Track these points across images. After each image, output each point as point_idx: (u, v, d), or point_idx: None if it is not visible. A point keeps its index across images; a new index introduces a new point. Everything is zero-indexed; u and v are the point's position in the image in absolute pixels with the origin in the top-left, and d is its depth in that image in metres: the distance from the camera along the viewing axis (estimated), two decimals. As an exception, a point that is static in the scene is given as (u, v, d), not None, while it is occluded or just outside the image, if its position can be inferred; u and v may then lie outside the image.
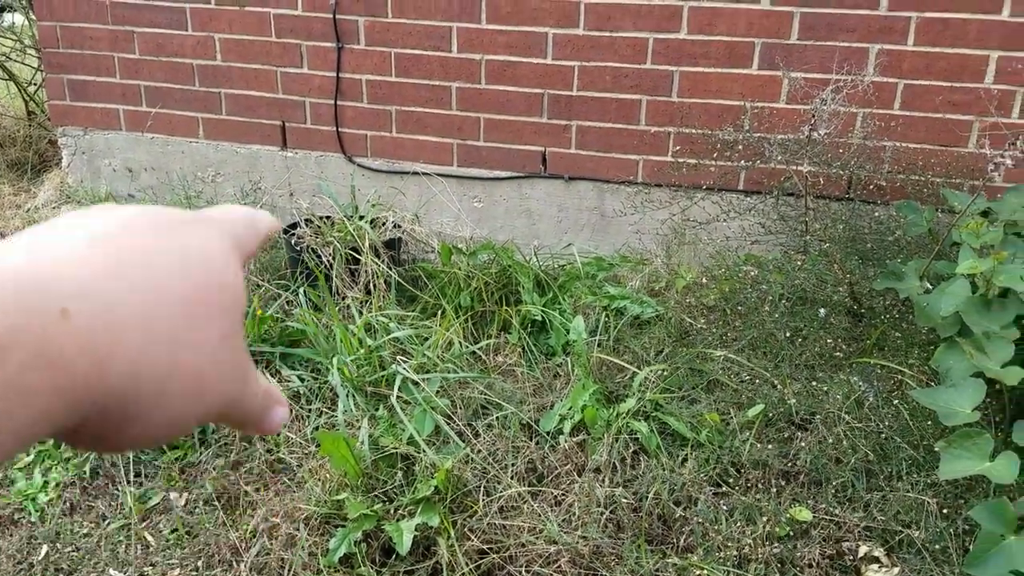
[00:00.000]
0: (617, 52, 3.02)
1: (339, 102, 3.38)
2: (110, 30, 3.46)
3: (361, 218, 2.96)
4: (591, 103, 3.11)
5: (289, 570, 2.01)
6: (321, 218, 3.04)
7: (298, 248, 2.90)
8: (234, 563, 2.10)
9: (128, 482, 2.36)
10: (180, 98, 3.50)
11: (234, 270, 0.37)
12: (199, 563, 2.14)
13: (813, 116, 2.22)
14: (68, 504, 2.33)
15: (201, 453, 2.41)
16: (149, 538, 2.22)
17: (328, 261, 2.82)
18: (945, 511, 1.90)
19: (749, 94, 2.94)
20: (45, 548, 2.22)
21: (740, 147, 2.68)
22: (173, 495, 2.31)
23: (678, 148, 3.05)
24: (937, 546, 1.85)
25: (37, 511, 2.31)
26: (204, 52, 3.41)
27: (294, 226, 3.09)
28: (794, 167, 2.47)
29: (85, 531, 2.27)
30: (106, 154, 3.69)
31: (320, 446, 2.19)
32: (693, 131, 3.00)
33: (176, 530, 2.20)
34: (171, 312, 0.33)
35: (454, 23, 3.14)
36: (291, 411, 2.46)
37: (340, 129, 3.42)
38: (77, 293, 0.30)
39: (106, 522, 2.28)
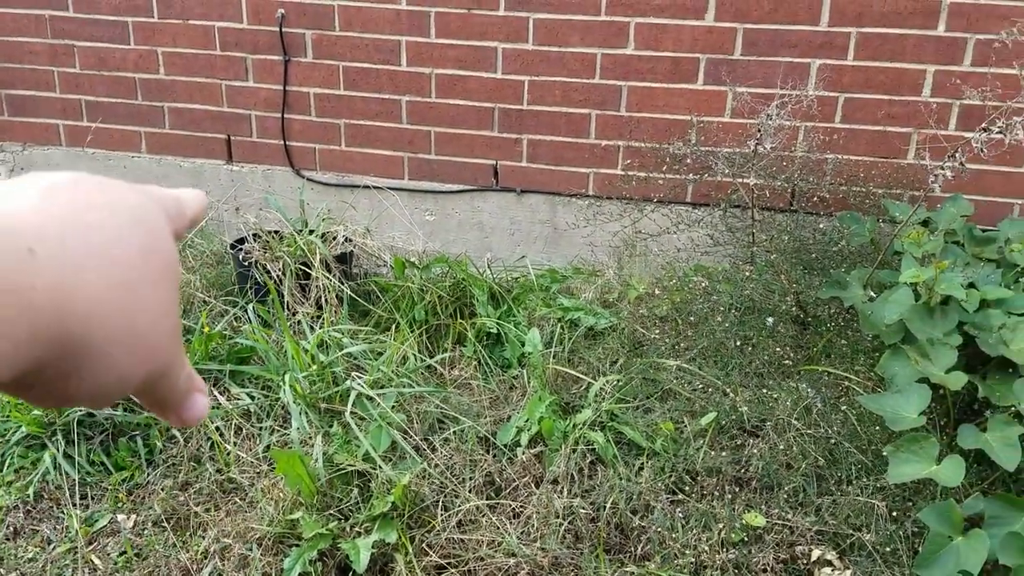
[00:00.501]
0: (566, 67, 3.05)
1: (286, 115, 3.34)
2: (50, 44, 3.38)
3: (311, 232, 2.93)
4: (542, 117, 3.13)
5: (243, 592, 1.97)
6: (270, 232, 3.00)
7: (246, 263, 2.85)
8: (185, 586, 2.05)
9: (74, 504, 2.29)
10: (122, 113, 3.43)
11: (170, 240, 0.38)
12: (149, 586, 2.08)
13: (759, 130, 2.26)
14: (12, 528, 2.26)
15: (148, 474, 2.35)
16: (97, 561, 2.16)
17: (278, 276, 2.78)
18: (894, 514, 1.94)
19: (695, 108, 2.99)
20: (-15, 576, 2.15)
21: (688, 161, 2.72)
22: (121, 517, 2.25)
23: (628, 162, 3.09)
24: (888, 548, 1.89)
25: (-19, 536, 2.23)
26: (147, 66, 3.35)
27: (241, 241, 3.05)
28: (740, 180, 2.52)
29: (30, 555, 2.20)
30: (45, 170, 3.58)
31: (275, 465, 2.16)
32: (642, 145, 3.04)
33: (125, 552, 2.15)
34: (126, 262, 0.34)
35: (403, 37, 3.14)
36: (242, 430, 2.42)
37: (288, 142, 3.38)
38: (42, 236, 0.31)
39: (51, 546, 2.21)
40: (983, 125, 1.86)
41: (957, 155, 1.87)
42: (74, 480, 2.33)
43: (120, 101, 3.42)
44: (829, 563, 1.92)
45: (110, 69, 3.38)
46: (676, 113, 3.01)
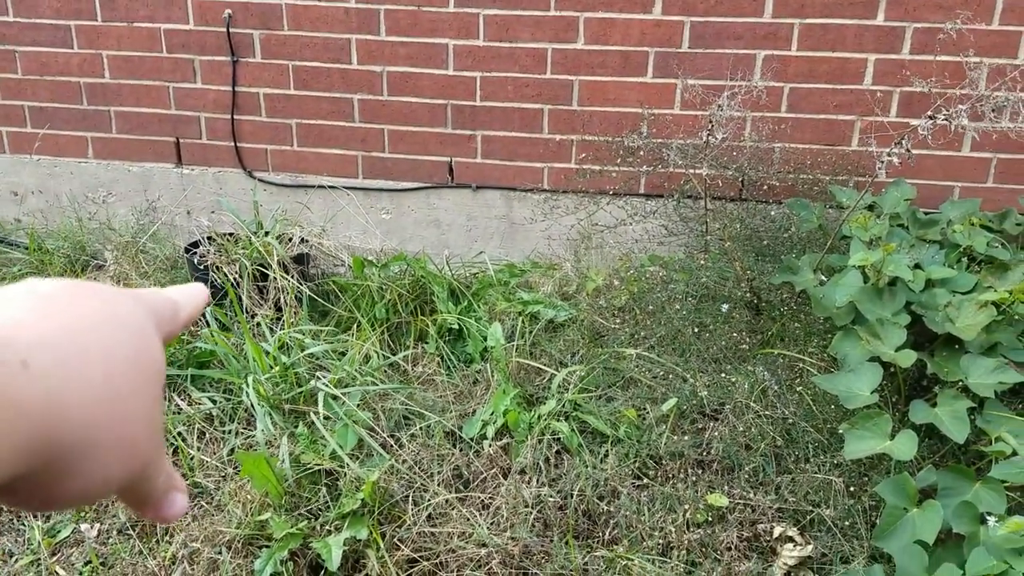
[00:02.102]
0: (517, 62, 3.07)
1: (236, 116, 3.31)
2: (-11, 48, 3.30)
3: (267, 234, 2.91)
4: (495, 113, 3.15)
5: (213, 596, 1.96)
6: (224, 235, 2.97)
7: (202, 267, 2.83)
8: (154, 593, 2.04)
9: (35, 516, 2.25)
10: (67, 118, 3.37)
11: (158, 346, 0.39)
12: (117, 595, 2.06)
13: (711, 121, 2.31)
14: (-31, 544, 2.21)
15: (111, 483, 2.32)
16: (61, 572, 2.13)
17: (235, 279, 2.76)
18: (851, 489, 2.00)
19: (646, 101, 3.04)
20: (-55, 593, 2.10)
21: (642, 153, 2.77)
22: (84, 527, 2.22)
23: (583, 155, 3.12)
24: (847, 522, 1.95)
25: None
26: (92, 70, 3.29)
27: (195, 244, 3.02)
28: (693, 171, 2.57)
29: (-11, 572, 2.16)
30: (-13, 177, 3.51)
31: (240, 467, 2.15)
32: (595, 139, 3.08)
33: (90, 562, 2.12)
34: (114, 371, 0.35)
35: (353, 35, 3.13)
36: (205, 434, 2.40)
37: (238, 144, 3.35)
38: (35, 348, 0.32)
39: (13, 559, 2.17)
40: (929, 113, 1.93)
41: (904, 141, 1.94)
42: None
43: (65, 106, 3.35)
44: (791, 539, 1.98)
45: (53, 74, 3.31)
46: (627, 106, 3.06)
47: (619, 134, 3.05)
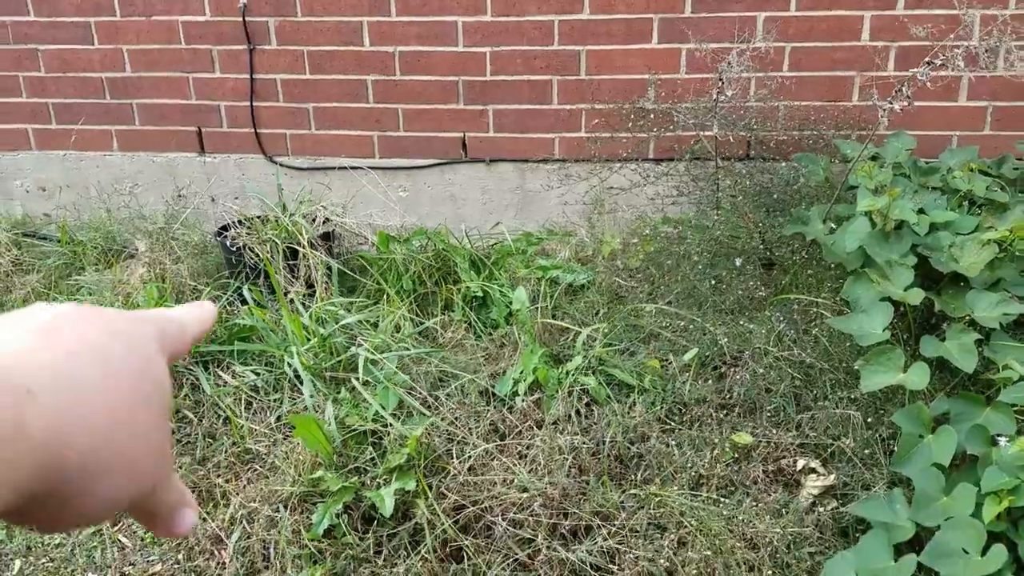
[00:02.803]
0: (525, 35, 3.17)
1: (255, 103, 3.42)
2: (12, 50, 3.40)
3: (292, 215, 3.02)
4: (505, 86, 3.25)
5: (275, 549, 2.09)
6: (251, 218, 3.09)
7: (234, 248, 2.94)
8: (216, 551, 2.16)
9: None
10: (91, 112, 3.47)
11: (163, 367, 0.41)
12: (180, 557, 2.19)
13: (720, 80, 2.41)
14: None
15: (164, 454, 2.44)
16: (124, 540, 2.25)
17: (267, 258, 2.88)
18: (869, 420, 2.12)
19: (652, 67, 3.14)
20: (18, 563, 2.23)
21: (652, 115, 2.87)
22: (144, 496, 2.34)
23: (596, 122, 3.22)
24: (866, 452, 2.07)
25: (2, 528, 2.31)
26: (113, 65, 3.39)
27: (225, 228, 3.13)
28: (704, 133, 2.67)
29: (56, 541, 2.29)
30: (16, 175, 3.62)
31: (290, 432, 2.27)
32: (605, 107, 3.18)
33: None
34: (119, 394, 0.36)
35: (364, 17, 3.23)
36: (251, 404, 2.52)
37: (258, 130, 3.46)
38: (41, 375, 0.33)
39: (77, 531, 2.30)
40: (926, 59, 2.03)
41: (904, 89, 2.04)
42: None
43: (88, 101, 3.46)
44: (813, 471, 2.10)
45: (76, 70, 3.41)
46: (634, 73, 3.15)
47: (627, 101, 3.15)
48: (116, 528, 2.31)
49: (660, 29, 3.10)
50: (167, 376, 0.41)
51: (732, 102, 2.49)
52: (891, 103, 2.06)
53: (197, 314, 0.47)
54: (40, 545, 2.28)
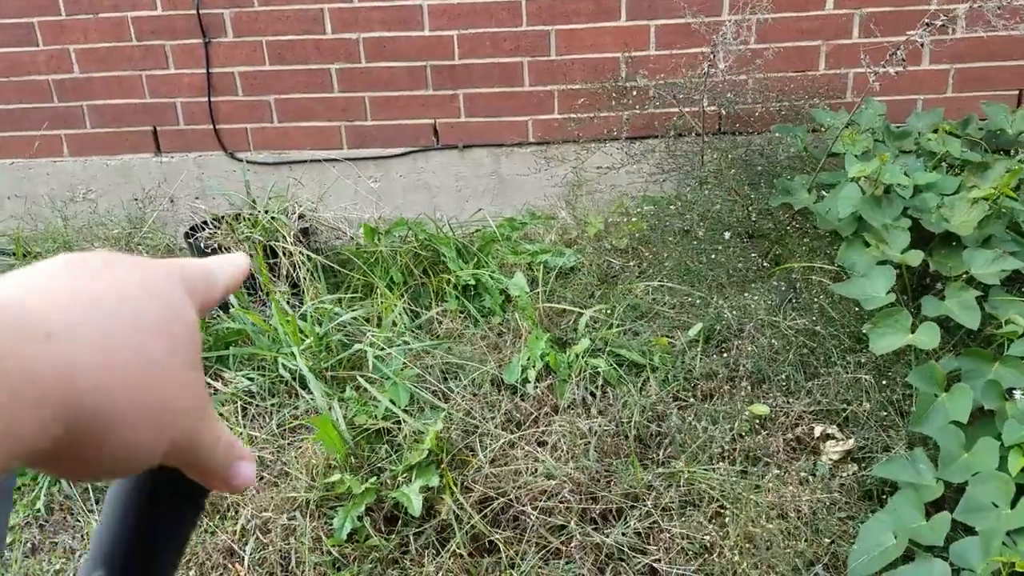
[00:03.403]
0: (493, 17, 3.11)
1: (213, 98, 3.29)
2: (-51, 53, 3.20)
3: (267, 212, 2.92)
4: (475, 70, 3.19)
5: (295, 557, 2.02)
6: (222, 217, 2.97)
7: (208, 250, 2.83)
8: (229, 565, 2.08)
9: (89, 511, 2.26)
10: (39, 117, 3.29)
11: (191, 313, 0.39)
12: (191, 573, 2.10)
13: (712, 53, 2.40)
14: (29, 545, 2.22)
15: (161, 469, 2.34)
16: (129, 562, 2.15)
17: (261, 259, 2.77)
18: (884, 382, 2.15)
19: (623, 45, 3.11)
20: (19, 591, 2.12)
21: (635, 93, 2.85)
22: (147, 514, 2.24)
23: (580, 101, 3.17)
24: (882, 414, 2.10)
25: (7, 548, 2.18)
26: (60, 66, 3.22)
27: (193, 229, 3.01)
28: (684, 108, 2.66)
29: (56, 567, 2.17)
30: (-44, 186, 3.42)
31: (295, 438, 2.20)
32: (579, 87, 3.15)
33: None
34: (146, 338, 0.36)
35: (325, 4, 3.13)
36: (248, 411, 2.43)
37: (217, 126, 3.33)
38: (62, 317, 0.33)
39: (76, 555, 2.19)
40: (925, 20, 2.05)
41: (898, 53, 2.06)
42: (84, 488, 2.30)
43: (35, 106, 3.27)
44: (831, 436, 2.12)
45: (19, 74, 3.23)
46: (605, 51, 3.13)
47: (599, 80, 3.13)
48: (116, 550, 2.20)
49: (628, 6, 3.08)
50: (196, 323, 0.39)
51: (723, 76, 2.48)
52: (884, 67, 2.08)
53: (228, 264, 0.46)
54: (39, 572, 2.16)
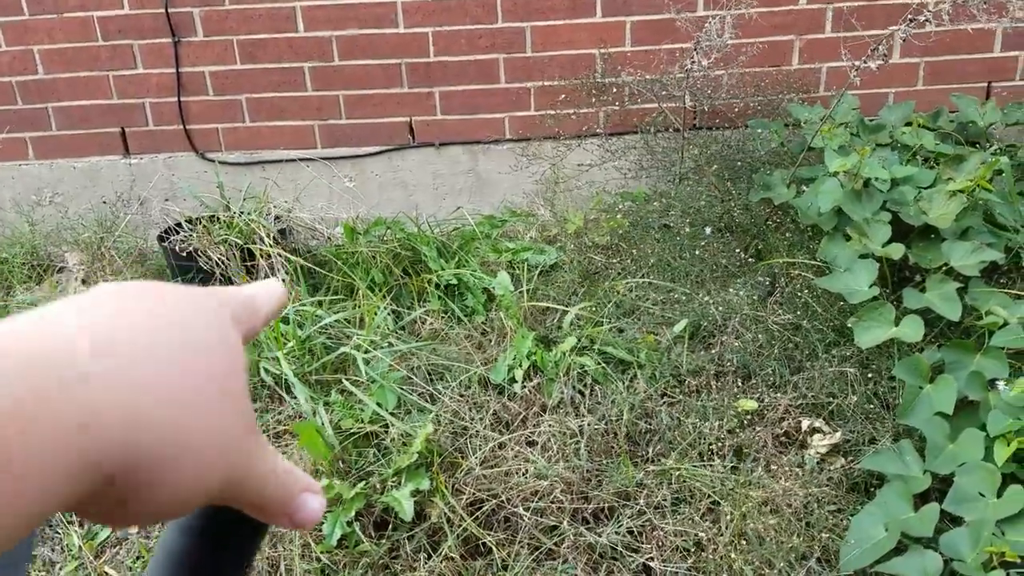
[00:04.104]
0: (468, 14, 3.09)
1: (182, 98, 3.22)
2: (-95, 53, 3.10)
3: (242, 212, 2.87)
4: (450, 67, 3.16)
5: (284, 566, 1.99)
6: (196, 219, 2.92)
7: (183, 253, 2.77)
8: None
9: (69, 522, 2.21)
10: (2, 120, 3.20)
11: (236, 340, 0.38)
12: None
13: (695, 49, 2.40)
14: (8, 561, 2.16)
15: (141, 479, 2.29)
16: (112, 572, 2.11)
17: (220, 261, 2.73)
18: (868, 374, 2.17)
19: (599, 41, 3.11)
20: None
21: (615, 89, 2.84)
22: (127, 524, 2.19)
23: (557, 99, 3.16)
24: (869, 405, 2.12)
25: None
26: (23, 67, 3.14)
27: (167, 232, 2.95)
28: (664, 104, 2.66)
29: (38, 585, 2.12)
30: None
31: (294, 438, 2.17)
32: (554, 83, 3.13)
33: (140, 557, 2.10)
34: (193, 367, 0.34)
35: (297, 2, 3.08)
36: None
37: (187, 126, 3.27)
38: (101, 354, 0.31)
39: (57, 567, 2.13)
40: (908, 15, 2.07)
41: (880, 48, 2.08)
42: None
43: (-2, 108, 3.20)
44: (818, 430, 2.14)
45: (-19, 74, 3.15)
46: (581, 48, 3.12)
47: (576, 76, 3.12)
48: (101, 560, 2.15)
49: (604, 2, 3.07)
50: (242, 350, 0.38)
51: (704, 72, 2.48)
52: (865, 62, 2.09)
53: (268, 292, 0.44)
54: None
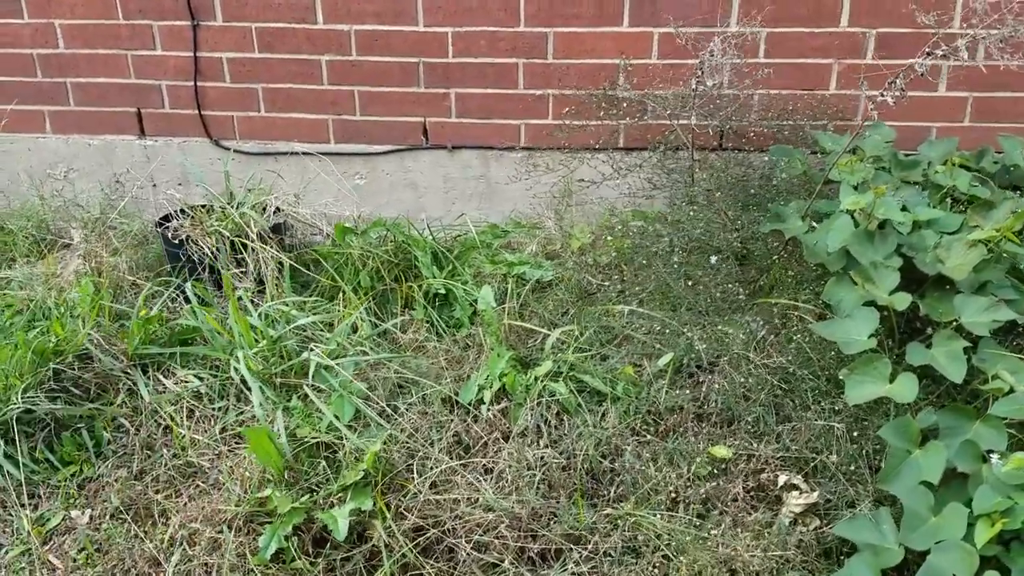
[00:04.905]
0: (490, 16, 2.99)
1: (199, 83, 3.20)
2: (-68, 23, 3.14)
3: (240, 205, 2.83)
4: (468, 69, 3.07)
5: (217, 574, 1.92)
6: (198, 207, 2.88)
7: (176, 240, 2.74)
8: (154, 574, 1.99)
9: (22, 506, 2.19)
10: (21, 91, 3.23)
11: None
12: (116, 582, 2.01)
13: (700, 69, 2.27)
14: (-45, 540, 2.15)
15: (99, 466, 2.26)
16: (55, 561, 2.07)
17: (212, 252, 2.68)
18: (855, 434, 2.01)
19: (623, 52, 2.98)
20: (-62, 592, 2.04)
21: (625, 104, 2.71)
22: (75, 513, 2.16)
23: (566, 110, 3.05)
24: (850, 467, 1.96)
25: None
26: (45, 40, 3.15)
27: (167, 218, 2.92)
28: (677, 121, 2.53)
29: (-19, 568, 2.10)
30: (-62, 156, 3.37)
31: (236, 445, 2.10)
32: (574, 92, 3.02)
33: (84, 549, 2.07)
34: None
35: (317, -6, 3.03)
36: (194, 413, 2.34)
37: (203, 112, 3.24)
38: None
39: (3, 550, 2.11)
40: (926, 49, 1.90)
41: (898, 81, 1.91)
42: (19, 480, 2.22)
43: (18, 80, 3.21)
44: (795, 487, 1.99)
45: (4, 46, 3.16)
46: (604, 57, 2.99)
47: (597, 87, 3.00)
48: (47, 548, 2.12)
49: (632, 11, 2.94)
50: None
51: (710, 91, 2.34)
52: (883, 95, 1.93)
53: None
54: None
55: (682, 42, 2.82)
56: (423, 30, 3.04)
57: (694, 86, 2.28)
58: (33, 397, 2.31)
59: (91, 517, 2.16)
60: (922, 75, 1.90)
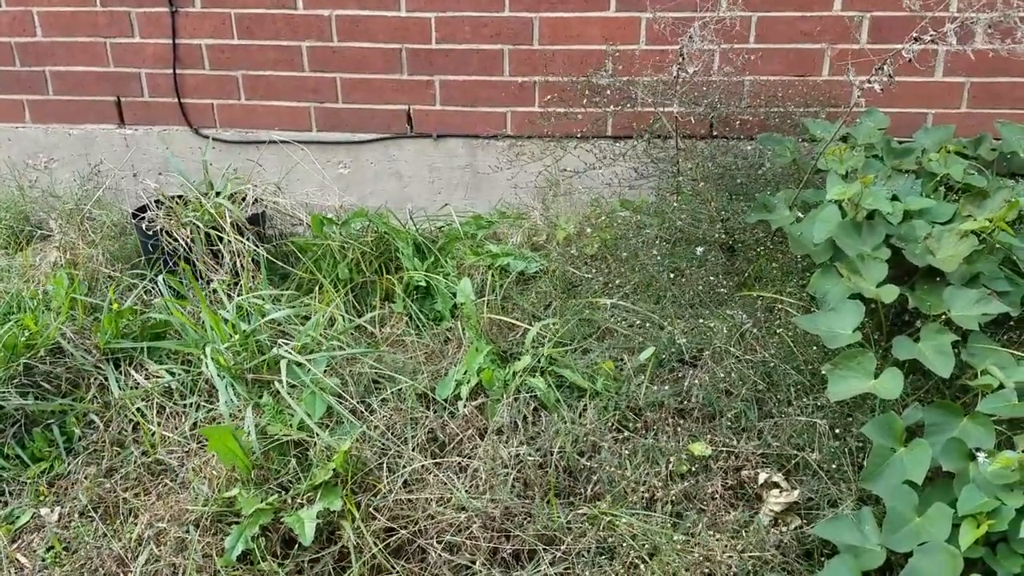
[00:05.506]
0: (474, 0, 2.92)
1: (178, 71, 3.14)
2: (-94, 10, 3.09)
3: (218, 194, 2.77)
4: (452, 55, 3.00)
5: (183, 575, 1.88)
6: (173, 198, 2.83)
7: (151, 232, 2.69)
8: (121, 574, 1.95)
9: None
10: (0, 81, 3.17)
11: None
12: (82, 582, 1.97)
13: (681, 55, 2.20)
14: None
15: (69, 463, 2.22)
16: (23, 560, 2.03)
17: (186, 244, 2.63)
18: (837, 431, 1.95)
19: (610, 38, 2.91)
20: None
21: (609, 92, 2.65)
22: (44, 511, 2.12)
23: (549, 97, 2.98)
24: (833, 465, 1.90)
25: None
26: (22, 29, 3.09)
27: (143, 209, 2.87)
28: (663, 109, 2.46)
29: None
30: (-84, 147, 3.32)
31: (206, 442, 2.05)
32: (559, 79, 2.95)
33: (52, 548, 2.02)
34: None
35: (298, -21, 2.96)
36: (165, 409, 2.29)
37: (182, 100, 3.18)
38: None
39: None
40: (914, 34, 1.83)
41: (885, 67, 1.84)
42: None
43: (-4, 68, 3.17)
44: (776, 485, 1.93)
45: (-21, 34, 3.11)
46: (591, 43, 2.93)
47: (583, 73, 2.93)
48: (15, 546, 2.08)
49: (619, -5, 2.87)
50: None
51: (694, 78, 2.27)
52: (870, 82, 1.86)
53: None
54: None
55: (659, 27, 2.75)
56: (405, 15, 2.97)
57: (675, 73, 2.21)
58: (3, 392, 2.26)
59: (60, 515, 2.12)
60: (910, 61, 1.83)
